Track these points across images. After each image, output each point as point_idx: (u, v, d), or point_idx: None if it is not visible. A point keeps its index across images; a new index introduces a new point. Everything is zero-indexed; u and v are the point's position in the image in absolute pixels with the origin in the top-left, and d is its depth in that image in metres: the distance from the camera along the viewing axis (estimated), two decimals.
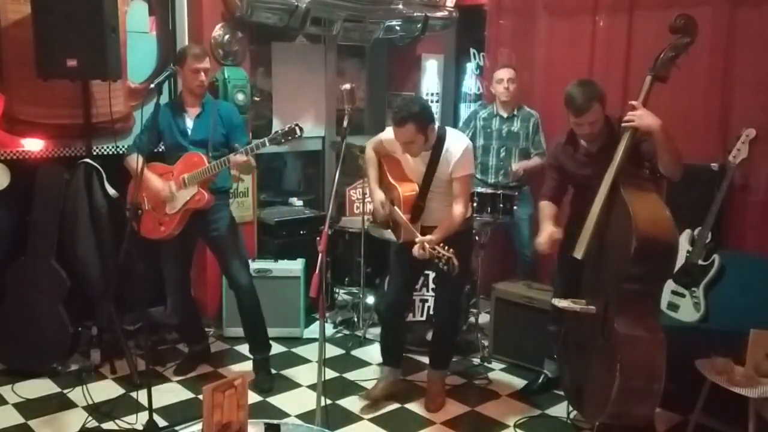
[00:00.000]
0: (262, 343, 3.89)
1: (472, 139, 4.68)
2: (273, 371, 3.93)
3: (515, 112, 4.50)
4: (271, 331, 4.10)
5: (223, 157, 3.49)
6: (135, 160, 3.52)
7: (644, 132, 2.93)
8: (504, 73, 4.47)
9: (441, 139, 3.29)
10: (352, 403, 3.64)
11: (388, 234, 3.70)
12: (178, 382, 3.83)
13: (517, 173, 4.40)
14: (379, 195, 3.46)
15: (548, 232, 3.26)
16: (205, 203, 3.59)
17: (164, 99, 3.62)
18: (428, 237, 3.13)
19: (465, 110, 5.51)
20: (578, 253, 3.05)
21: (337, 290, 4.99)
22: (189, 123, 3.66)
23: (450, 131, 3.37)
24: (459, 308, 3.61)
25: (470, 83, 5.63)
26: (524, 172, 4.40)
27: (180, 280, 3.87)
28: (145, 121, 3.52)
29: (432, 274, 4.19)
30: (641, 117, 2.90)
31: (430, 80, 5.61)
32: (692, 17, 2.93)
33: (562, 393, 3.59)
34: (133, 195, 3.46)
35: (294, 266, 4.42)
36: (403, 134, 3.19)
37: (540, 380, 3.80)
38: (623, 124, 2.96)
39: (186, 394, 3.68)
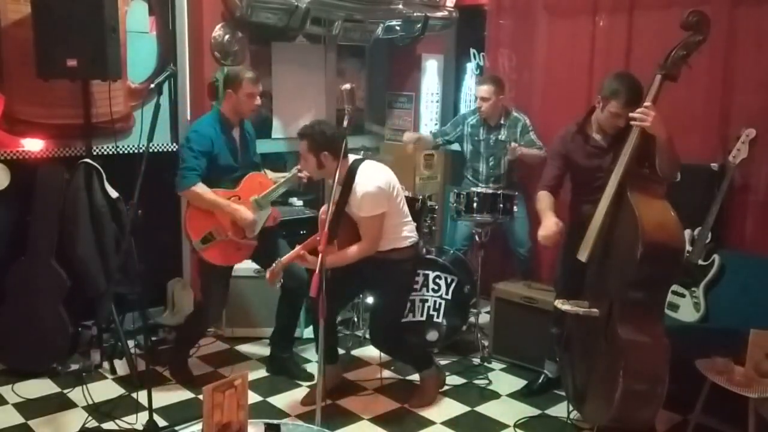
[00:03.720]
0: (293, 341, 4.04)
1: (460, 143, 4.69)
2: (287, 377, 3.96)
3: (502, 121, 4.49)
4: (272, 331, 4.11)
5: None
6: (205, 190, 3.49)
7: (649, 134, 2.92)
8: (479, 92, 4.46)
9: (352, 173, 3.29)
10: (352, 403, 3.64)
11: None
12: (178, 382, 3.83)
13: (515, 151, 4.30)
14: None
15: (551, 223, 3.20)
16: (279, 219, 3.78)
17: (164, 99, 3.62)
18: (287, 257, 3.36)
19: (465, 110, 5.49)
20: (582, 256, 3.03)
21: None
22: (237, 144, 3.69)
23: (363, 167, 3.33)
24: (389, 334, 3.62)
25: (470, 83, 5.63)
26: (521, 153, 4.32)
27: (227, 291, 3.87)
28: (196, 146, 3.49)
29: (432, 273, 4.20)
30: (653, 120, 2.85)
31: (430, 80, 5.61)
32: (705, 14, 2.85)
33: (562, 393, 3.58)
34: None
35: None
36: (299, 146, 3.35)
37: (540, 380, 3.80)
38: (632, 122, 2.91)
39: (186, 394, 3.68)
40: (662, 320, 3.00)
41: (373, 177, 3.31)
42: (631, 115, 2.92)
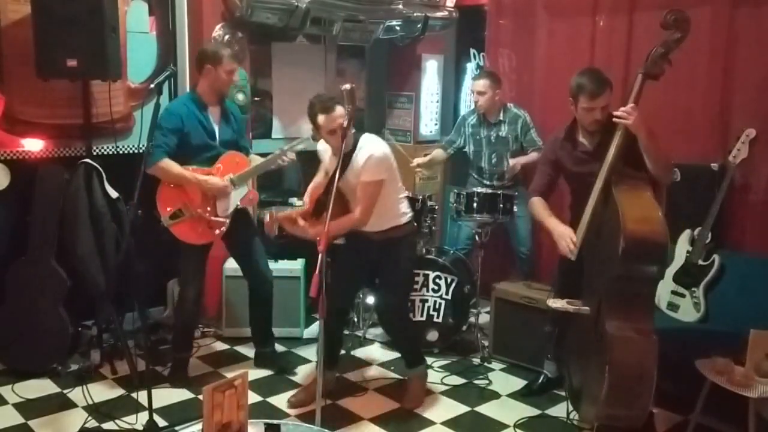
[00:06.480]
0: (272, 335, 4.08)
1: (463, 144, 4.69)
2: (273, 371, 3.98)
3: (501, 117, 4.48)
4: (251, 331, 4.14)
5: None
6: (171, 165, 3.47)
7: (631, 132, 2.94)
8: (475, 87, 4.47)
9: (355, 143, 3.32)
10: (352, 403, 3.64)
11: None
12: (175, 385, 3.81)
13: (514, 168, 4.35)
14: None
15: (564, 229, 3.17)
16: (256, 200, 3.77)
17: (164, 99, 3.61)
18: (282, 214, 3.41)
19: (465, 110, 5.50)
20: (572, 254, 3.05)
21: None
22: (215, 124, 3.66)
23: (365, 138, 3.37)
24: (402, 311, 3.63)
25: (470, 83, 5.63)
26: (521, 167, 4.36)
27: (203, 272, 3.84)
28: (165, 124, 3.46)
29: (432, 273, 4.20)
30: (635, 120, 2.89)
31: (430, 80, 5.61)
32: (683, 12, 2.89)
33: (562, 393, 3.59)
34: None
35: (294, 266, 4.42)
36: (335, 119, 3.22)
37: (540, 380, 3.80)
38: (615, 119, 2.95)
39: (186, 394, 3.68)
40: (651, 316, 2.96)
41: (379, 143, 3.36)
42: (615, 114, 2.96)
